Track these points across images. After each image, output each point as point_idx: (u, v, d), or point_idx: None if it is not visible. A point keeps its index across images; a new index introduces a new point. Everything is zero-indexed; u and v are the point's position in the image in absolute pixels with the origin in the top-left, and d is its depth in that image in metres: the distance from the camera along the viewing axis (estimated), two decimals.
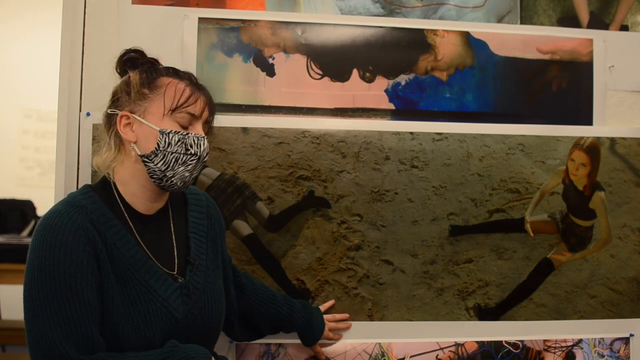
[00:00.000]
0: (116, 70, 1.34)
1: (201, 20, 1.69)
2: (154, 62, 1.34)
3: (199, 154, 1.28)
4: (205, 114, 1.31)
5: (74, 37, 1.64)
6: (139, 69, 1.30)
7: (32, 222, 4.51)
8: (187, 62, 1.67)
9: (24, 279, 1.18)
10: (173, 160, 1.26)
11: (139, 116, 1.26)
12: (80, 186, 1.61)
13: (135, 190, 1.28)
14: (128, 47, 1.34)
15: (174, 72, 1.31)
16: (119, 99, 1.29)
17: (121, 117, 1.27)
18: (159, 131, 1.25)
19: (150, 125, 1.25)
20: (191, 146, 1.27)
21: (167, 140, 1.25)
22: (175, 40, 1.67)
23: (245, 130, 1.68)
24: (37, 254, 1.17)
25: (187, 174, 1.28)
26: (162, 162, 1.25)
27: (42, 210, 4.73)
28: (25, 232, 4.42)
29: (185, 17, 1.68)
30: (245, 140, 1.68)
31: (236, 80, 1.71)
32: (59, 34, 1.63)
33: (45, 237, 1.17)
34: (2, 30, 5.07)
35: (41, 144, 5.16)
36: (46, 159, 5.13)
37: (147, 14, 1.67)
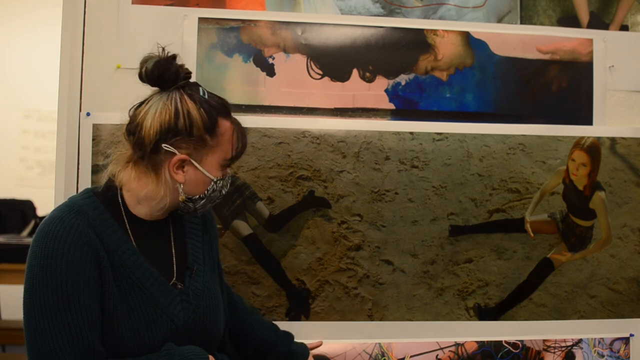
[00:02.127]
0: (146, 76, 1.23)
1: (201, 20, 1.69)
2: (189, 74, 1.27)
3: (226, 192, 1.31)
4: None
5: (74, 37, 1.64)
6: (193, 100, 1.22)
7: (32, 222, 4.51)
8: (187, 62, 1.65)
9: (24, 286, 1.17)
10: (209, 201, 1.28)
11: (198, 163, 1.23)
12: (80, 186, 1.61)
13: (151, 210, 1.27)
14: (149, 56, 1.23)
15: (224, 108, 1.26)
16: (180, 139, 1.20)
17: (179, 159, 1.21)
18: (214, 180, 1.25)
19: (208, 174, 1.24)
20: (224, 187, 1.30)
21: (215, 187, 1.27)
22: (175, 40, 1.67)
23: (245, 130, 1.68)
24: (37, 262, 1.15)
25: (210, 206, 1.32)
26: (202, 203, 1.27)
27: (42, 210, 4.72)
28: (25, 232, 4.41)
29: (185, 17, 1.68)
30: None
31: (236, 80, 1.71)
32: (59, 34, 1.63)
33: (46, 244, 1.16)
34: (2, 30, 5.06)
35: (41, 144, 5.15)
36: (46, 159, 5.12)
37: (147, 14, 1.67)
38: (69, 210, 1.21)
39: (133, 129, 1.23)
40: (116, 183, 1.25)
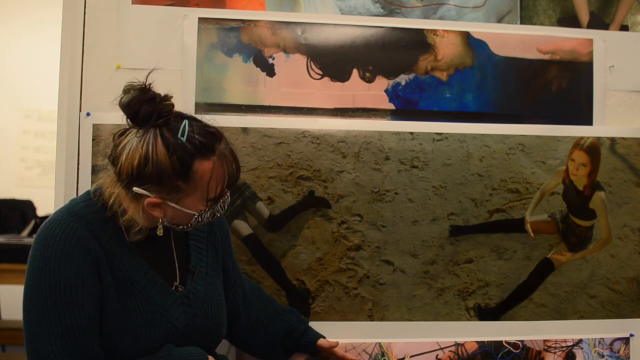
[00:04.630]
0: (124, 110, 1.17)
1: (201, 20, 1.69)
2: (168, 103, 1.20)
3: (222, 214, 1.29)
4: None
5: (74, 37, 1.64)
6: (166, 144, 1.15)
7: (32, 222, 4.50)
8: (187, 62, 1.67)
9: (24, 289, 1.17)
10: (200, 225, 1.26)
11: (172, 202, 1.19)
12: (80, 186, 1.61)
13: (142, 226, 1.24)
14: (131, 86, 1.17)
15: (206, 149, 1.17)
16: (150, 185, 1.16)
17: (149, 202, 1.18)
18: (195, 215, 1.22)
19: (187, 211, 1.20)
20: (218, 212, 1.27)
21: (200, 219, 1.24)
22: (175, 40, 1.67)
23: (245, 130, 1.68)
24: (37, 264, 1.16)
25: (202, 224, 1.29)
26: (189, 229, 1.26)
27: (42, 210, 4.72)
28: (25, 232, 4.41)
29: (185, 17, 1.68)
30: (245, 140, 1.68)
31: (236, 80, 1.71)
32: (59, 34, 1.63)
33: (46, 247, 1.16)
34: (2, 30, 5.06)
35: (41, 144, 5.15)
36: (46, 159, 5.12)
37: (147, 14, 1.67)
38: (69, 214, 1.21)
39: (113, 158, 1.20)
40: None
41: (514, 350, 1.76)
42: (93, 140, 1.62)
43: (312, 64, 1.73)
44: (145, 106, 1.15)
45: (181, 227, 1.25)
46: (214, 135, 1.20)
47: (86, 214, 1.21)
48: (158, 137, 1.15)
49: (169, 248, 1.31)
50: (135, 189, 1.17)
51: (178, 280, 1.29)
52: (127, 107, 1.16)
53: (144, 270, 1.24)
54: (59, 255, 1.15)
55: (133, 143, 1.16)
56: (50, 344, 1.12)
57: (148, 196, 1.17)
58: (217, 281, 1.37)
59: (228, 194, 1.28)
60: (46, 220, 1.22)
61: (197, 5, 1.70)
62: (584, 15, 1.85)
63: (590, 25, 1.84)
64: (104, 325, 1.19)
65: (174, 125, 1.17)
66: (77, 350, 1.13)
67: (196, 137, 1.17)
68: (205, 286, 1.32)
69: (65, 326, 1.13)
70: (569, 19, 1.84)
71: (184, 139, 1.16)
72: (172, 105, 1.20)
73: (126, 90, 1.18)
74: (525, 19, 1.82)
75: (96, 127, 1.62)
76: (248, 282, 1.58)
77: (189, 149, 1.16)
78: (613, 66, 1.83)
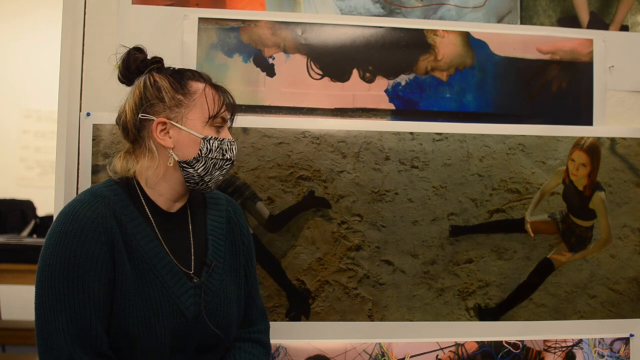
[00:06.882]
0: (120, 74, 1.32)
1: (201, 20, 1.69)
2: (159, 61, 1.33)
3: (232, 158, 1.32)
4: (230, 117, 1.35)
5: (74, 37, 1.64)
6: (161, 74, 1.29)
7: (32, 222, 4.49)
8: (187, 62, 1.67)
9: (38, 263, 1.20)
10: (212, 165, 1.29)
11: (178, 123, 1.27)
12: (80, 186, 1.61)
13: (163, 191, 1.30)
14: (128, 47, 1.32)
15: (198, 75, 1.32)
16: (152, 105, 1.27)
17: (157, 123, 1.26)
18: (202, 138, 1.27)
19: (193, 132, 1.27)
20: (226, 151, 1.31)
21: (208, 146, 1.28)
22: (175, 40, 1.67)
23: (245, 130, 1.68)
24: (52, 240, 1.19)
25: (221, 177, 1.32)
26: (202, 167, 1.28)
27: (42, 210, 4.72)
28: (25, 232, 4.40)
29: (185, 17, 1.68)
30: (245, 140, 1.68)
31: (236, 80, 1.71)
32: (59, 34, 1.63)
33: (63, 224, 1.19)
34: (2, 30, 5.06)
35: (41, 144, 5.15)
36: (46, 159, 5.12)
37: (147, 14, 1.67)
38: (91, 195, 1.25)
39: (118, 119, 1.32)
40: (129, 174, 1.29)
41: (514, 350, 1.76)
42: (93, 140, 1.62)
43: (312, 64, 1.73)
44: (134, 57, 1.31)
45: (192, 167, 1.27)
46: (204, 73, 1.35)
47: (109, 196, 1.25)
48: (153, 72, 1.30)
49: (187, 238, 1.33)
50: (141, 115, 1.26)
51: (193, 270, 1.30)
52: (122, 69, 1.31)
53: (161, 255, 1.26)
54: (74, 233, 1.18)
55: (132, 89, 1.30)
56: (54, 321, 1.15)
57: (153, 120, 1.26)
58: (233, 278, 1.38)
59: (234, 141, 1.33)
60: (70, 201, 1.26)
61: (197, 5, 1.70)
62: (584, 15, 1.85)
63: (590, 25, 1.84)
64: (117, 305, 1.20)
65: (164, 68, 1.33)
66: (77, 329, 1.15)
67: (188, 70, 1.33)
68: (220, 281, 1.33)
69: (69, 304, 1.15)
70: (569, 19, 1.84)
71: (175, 68, 1.32)
72: (161, 59, 1.34)
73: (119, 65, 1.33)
74: (525, 19, 1.82)
75: (96, 127, 1.62)
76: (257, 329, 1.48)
77: (182, 72, 1.31)
78: (613, 66, 1.83)
